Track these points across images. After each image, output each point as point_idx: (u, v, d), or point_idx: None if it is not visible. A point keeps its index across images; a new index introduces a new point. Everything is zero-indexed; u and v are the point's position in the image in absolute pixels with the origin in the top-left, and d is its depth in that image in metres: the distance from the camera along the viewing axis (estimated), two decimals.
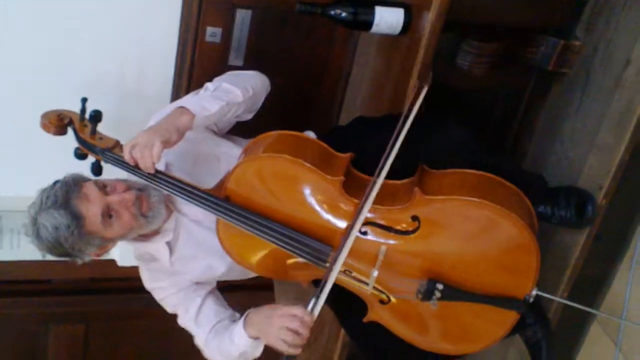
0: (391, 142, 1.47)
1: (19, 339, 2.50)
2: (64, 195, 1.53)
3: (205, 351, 1.76)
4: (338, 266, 1.45)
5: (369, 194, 1.46)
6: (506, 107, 2.18)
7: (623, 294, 2.16)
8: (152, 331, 1.86)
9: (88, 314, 2.54)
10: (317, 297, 1.43)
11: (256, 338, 1.61)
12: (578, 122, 1.98)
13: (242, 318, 1.65)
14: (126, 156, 1.51)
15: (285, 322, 1.46)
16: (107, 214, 1.55)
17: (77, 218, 1.52)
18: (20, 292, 2.45)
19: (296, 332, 1.45)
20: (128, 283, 1.88)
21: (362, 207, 1.46)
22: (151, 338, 1.84)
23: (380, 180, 1.47)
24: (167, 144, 1.50)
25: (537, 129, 2.18)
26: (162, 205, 1.65)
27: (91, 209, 1.53)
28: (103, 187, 1.58)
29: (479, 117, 2.13)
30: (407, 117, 1.47)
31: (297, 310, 1.45)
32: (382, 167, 1.47)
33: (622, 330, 2.16)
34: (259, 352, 1.68)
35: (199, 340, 1.76)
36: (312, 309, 1.44)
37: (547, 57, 1.97)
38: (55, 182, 1.57)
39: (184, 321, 1.78)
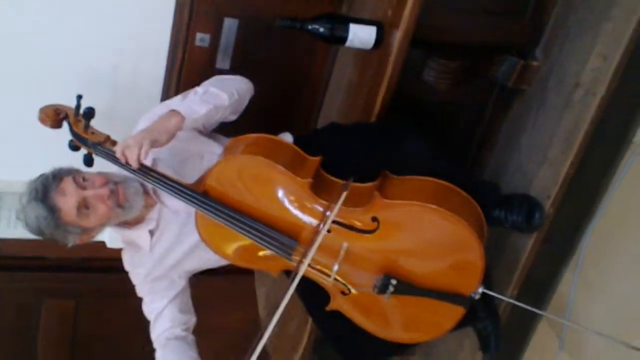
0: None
1: (13, 311, 2.55)
2: (43, 189, 1.62)
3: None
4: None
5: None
6: (469, 119, 2.23)
7: (568, 295, 2.23)
8: (138, 309, 1.97)
9: (79, 290, 2.60)
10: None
11: None
12: (533, 137, 2.05)
13: None
14: (118, 154, 1.58)
15: None
16: (84, 206, 1.63)
17: (53, 210, 1.61)
18: (16, 267, 2.51)
19: None
20: (117, 263, 1.98)
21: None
22: (137, 317, 1.95)
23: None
24: (155, 143, 1.58)
25: (498, 141, 2.23)
26: (139, 197, 1.72)
27: (67, 202, 1.62)
28: (82, 181, 1.65)
29: (442, 128, 2.19)
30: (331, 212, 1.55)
31: None
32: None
33: (567, 329, 2.23)
34: None
35: (151, 335, 1.86)
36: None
37: (507, 75, 2.04)
38: (40, 176, 1.67)
39: (145, 310, 1.88)
